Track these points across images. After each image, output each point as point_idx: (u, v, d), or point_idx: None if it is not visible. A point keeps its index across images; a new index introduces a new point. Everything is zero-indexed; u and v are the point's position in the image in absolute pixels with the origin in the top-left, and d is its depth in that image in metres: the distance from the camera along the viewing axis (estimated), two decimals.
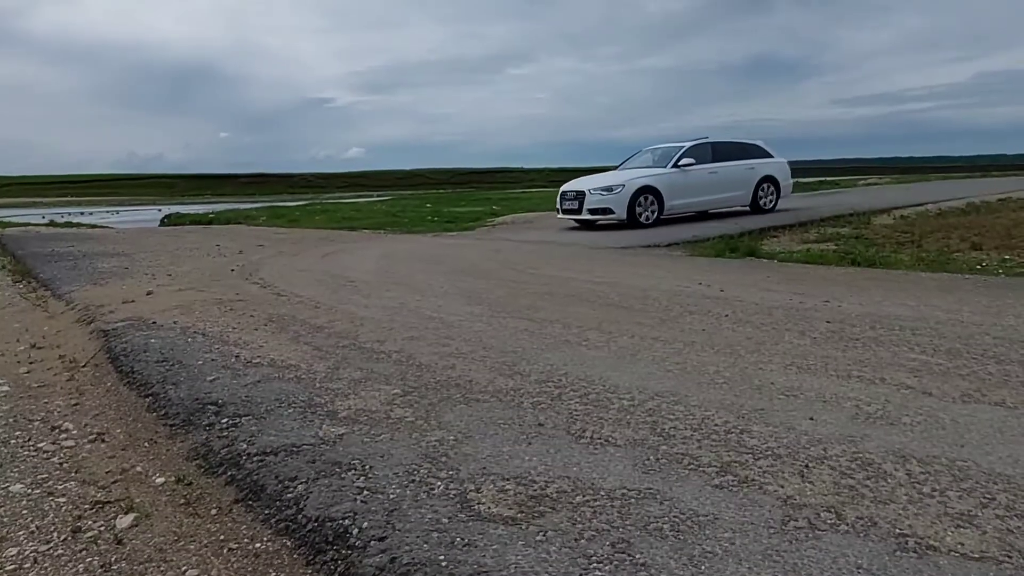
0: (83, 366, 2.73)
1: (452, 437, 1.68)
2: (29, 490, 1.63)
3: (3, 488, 1.64)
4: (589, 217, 10.41)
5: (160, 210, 31.55)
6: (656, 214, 10.47)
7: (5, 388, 2.51)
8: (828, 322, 3.14)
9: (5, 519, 1.49)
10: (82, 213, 30.63)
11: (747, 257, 7.40)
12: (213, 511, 1.48)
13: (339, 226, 14.46)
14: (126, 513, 1.49)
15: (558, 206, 11.00)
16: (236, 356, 2.48)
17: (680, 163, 11.01)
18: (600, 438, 1.67)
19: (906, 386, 2.09)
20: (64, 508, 1.53)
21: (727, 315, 3.32)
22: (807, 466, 1.48)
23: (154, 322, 3.13)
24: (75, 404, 2.29)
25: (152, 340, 2.78)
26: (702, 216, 11.69)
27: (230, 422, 1.86)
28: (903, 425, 1.75)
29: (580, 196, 10.47)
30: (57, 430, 2.04)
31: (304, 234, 10.65)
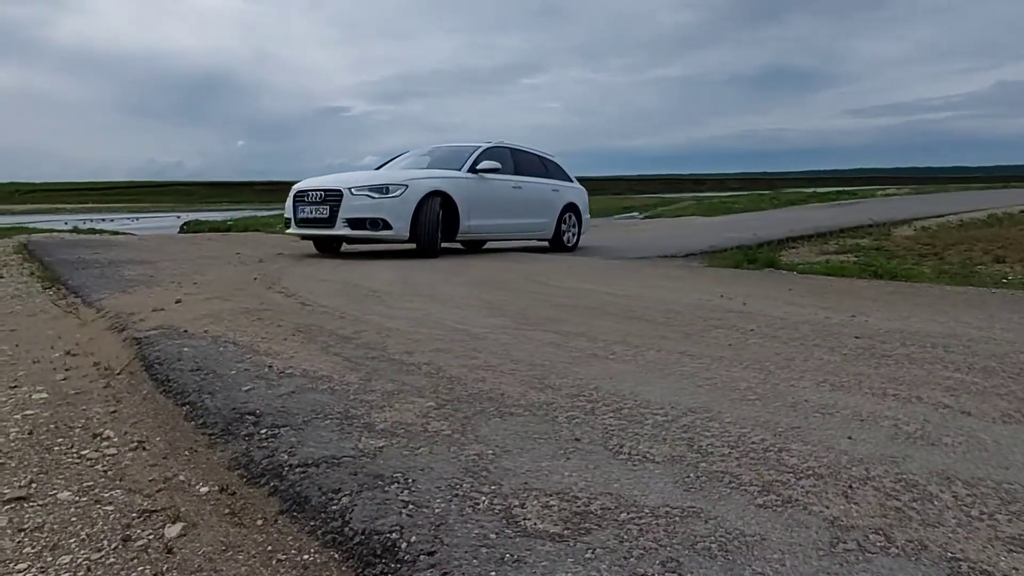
0: (118, 374, 2.76)
1: (490, 451, 1.69)
2: (76, 497, 1.66)
3: (52, 495, 1.67)
4: (346, 232, 6.81)
5: (179, 217, 32.06)
6: (441, 238, 7.19)
7: (44, 395, 2.55)
8: (857, 338, 3.12)
9: (55, 526, 1.51)
10: (103, 219, 31.14)
11: (766, 268, 7.38)
12: (259, 521, 1.50)
13: None
14: (173, 522, 1.51)
15: (289, 215, 7.32)
16: (269, 366, 2.51)
17: (479, 167, 7.67)
18: (638, 454, 1.68)
19: (944, 405, 2.08)
20: (112, 516, 1.56)
21: (753, 330, 3.31)
22: (851, 487, 1.48)
23: (185, 331, 3.17)
24: (113, 411, 2.33)
25: (185, 349, 2.82)
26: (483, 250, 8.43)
27: (269, 432, 1.88)
28: (944, 446, 1.74)
29: (333, 200, 6.84)
30: (98, 437, 2.08)
31: None
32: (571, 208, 9.15)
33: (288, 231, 7.72)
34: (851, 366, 2.57)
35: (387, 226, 6.82)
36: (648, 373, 2.46)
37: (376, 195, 6.85)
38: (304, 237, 7.84)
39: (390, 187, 6.90)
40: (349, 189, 6.90)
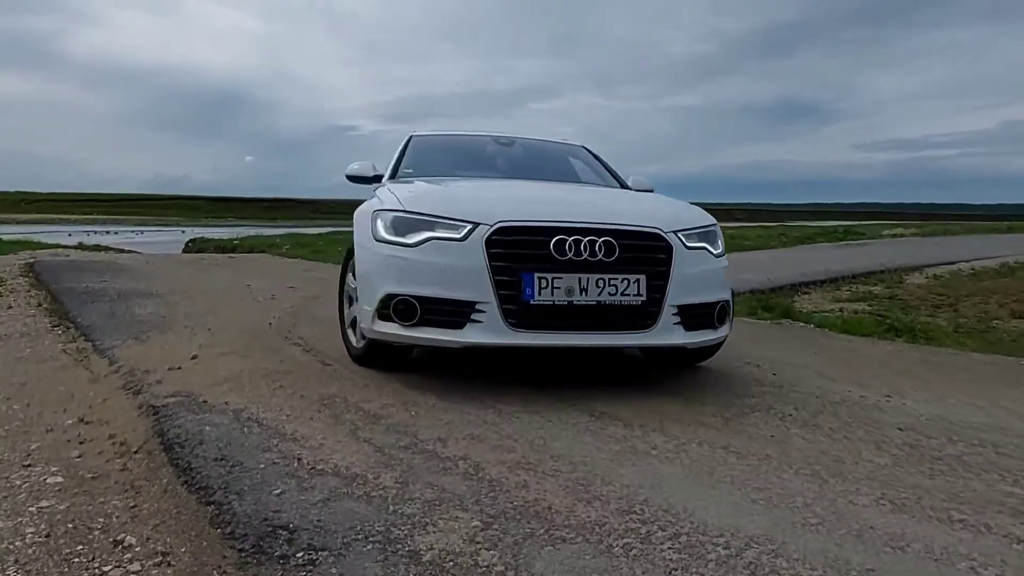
0: (135, 452, 2.65)
1: None
2: None
3: None
4: (681, 341, 3.21)
5: (184, 232, 32.10)
6: None
7: (59, 479, 2.43)
8: (900, 429, 3.02)
9: None
10: (107, 232, 31.20)
11: (784, 319, 7.27)
12: None
13: None
14: None
15: (467, 294, 2.98)
16: (298, 459, 2.39)
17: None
18: None
19: (1016, 538, 1.96)
20: None
21: (791, 415, 3.20)
22: None
23: (205, 401, 3.06)
24: (133, 507, 2.21)
25: (206, 428, 2.70)
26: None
27: (306, 557, 1.76)
28: None
29: (651, 257, 3.12)
30: (120, 546, 1.95)
31: (332, 272, 10.60)
32: None
33: (450, 339, 3.07)
34: (905, 474, 2.45)
35: (724, 314, 3.50)
36: (695, 478, 2.34)
37: (713, 248, 3.43)
38: (558, 350, 3.79)
39: (717, 230, 3.55)
40: (677, 234, 3.20)
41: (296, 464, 2.34)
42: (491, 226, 2.99)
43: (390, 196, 3.53)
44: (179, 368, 3.65)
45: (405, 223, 3.21)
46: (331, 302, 6.96)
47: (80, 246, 16.04)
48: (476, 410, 3.05)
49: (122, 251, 15.14)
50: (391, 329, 3.17)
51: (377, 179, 4.47)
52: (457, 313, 3.01)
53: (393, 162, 4.66)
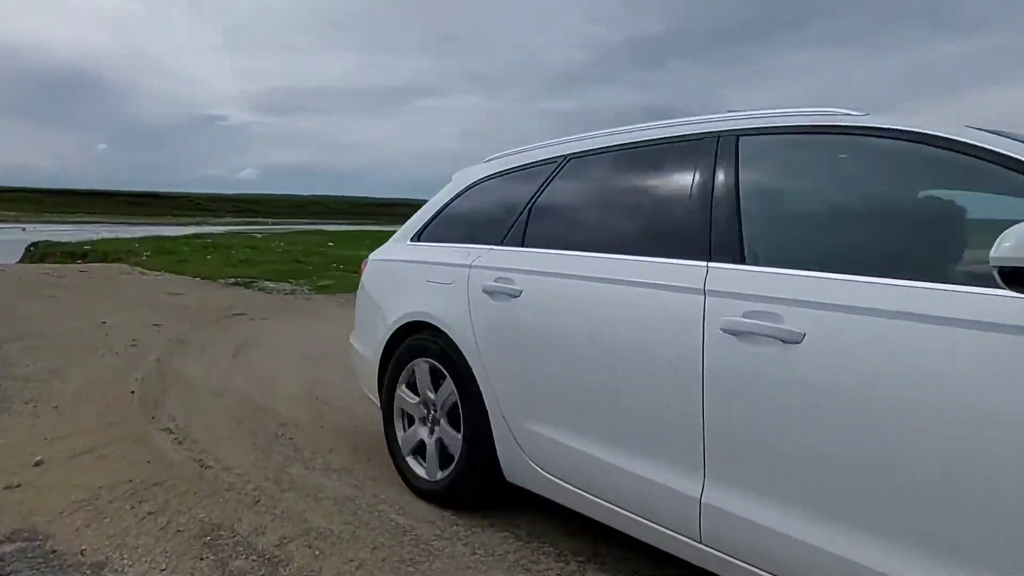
0: None
1: None
2: None
3: None
4: None
5: (24, 229, 28.70)
6: None
7: None
8: None
9: None
10: None
11: None
12: None
13: (236, 274, 13.59)
14: None
15: None
16: None
17: None
18: None
19: None
20: None
21: None
22: None
23: (54, 550, 2.49)
24: None
25: None
26: None
27: None
28: None
29: None
30: None
31: (199, 297, 9.69)
32: None
33: None
34: None
35: None
36: None
37: None
38: None
39: None
40: None
41: None
42: None
43: None
44: (18, 486, 3.02)
45: None
46: (201, 345, 6.27)
47: None
48: (390, 541, 2.70)
49: None
50: None
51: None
52: None
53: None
